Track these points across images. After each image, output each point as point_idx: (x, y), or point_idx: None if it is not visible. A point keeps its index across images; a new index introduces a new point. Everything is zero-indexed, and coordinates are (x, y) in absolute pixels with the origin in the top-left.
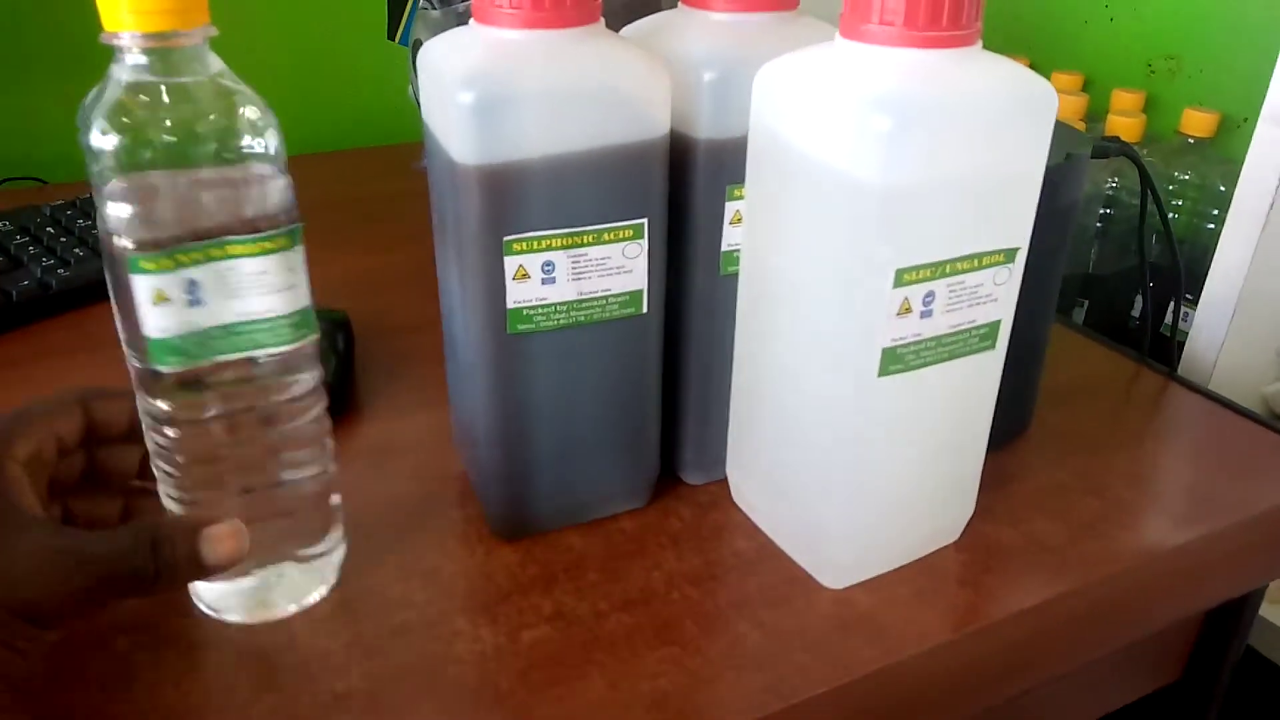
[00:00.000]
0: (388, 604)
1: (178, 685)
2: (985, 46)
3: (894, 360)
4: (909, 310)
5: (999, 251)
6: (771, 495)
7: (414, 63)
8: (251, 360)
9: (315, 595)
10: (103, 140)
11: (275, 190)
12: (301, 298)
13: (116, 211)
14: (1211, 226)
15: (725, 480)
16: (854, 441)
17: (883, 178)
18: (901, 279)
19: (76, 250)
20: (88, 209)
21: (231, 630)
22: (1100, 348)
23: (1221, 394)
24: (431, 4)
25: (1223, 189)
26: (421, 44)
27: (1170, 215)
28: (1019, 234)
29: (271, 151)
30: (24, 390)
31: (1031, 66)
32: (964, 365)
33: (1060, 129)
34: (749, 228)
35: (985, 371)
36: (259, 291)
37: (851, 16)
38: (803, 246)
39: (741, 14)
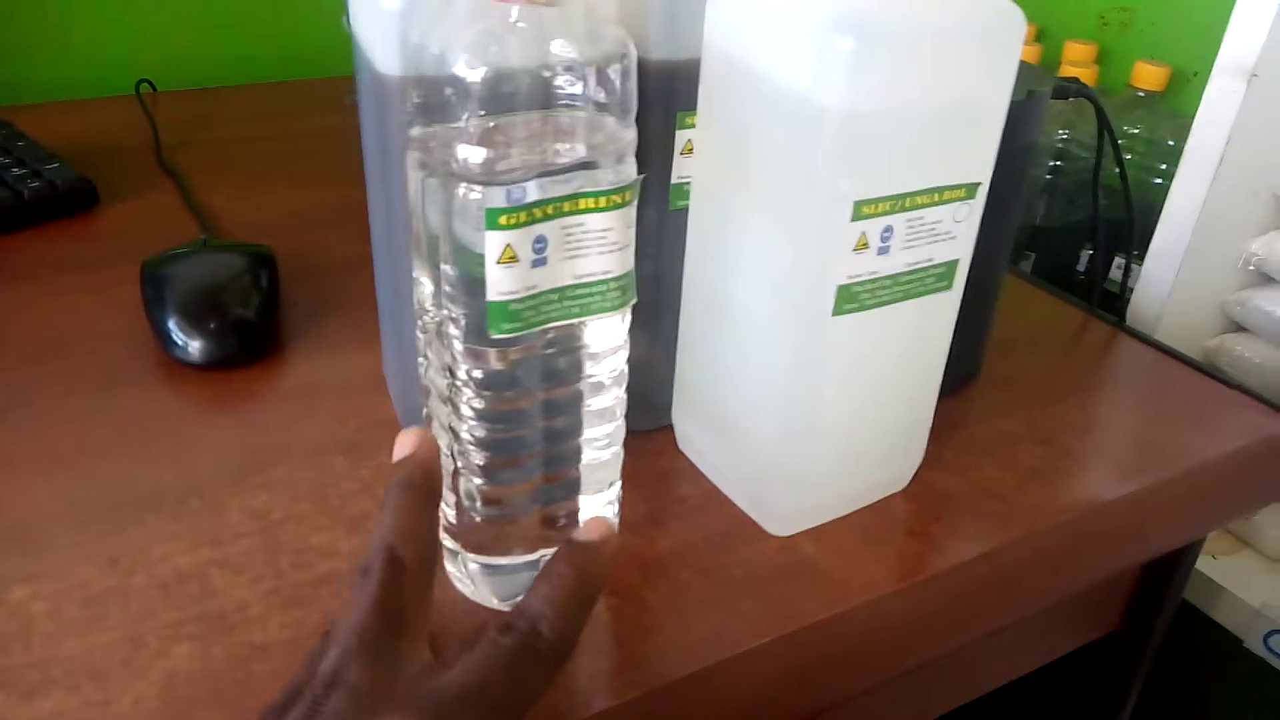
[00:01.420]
0: (310, 551)
1: None
2: None
3: (849, 299)
4: (866, 246)
5: (960, 186)
6: (718, 440)
7: None
8: (575, 328)
9: None
10: (470, 72)
11: (626, 137)
12: (630, 258)
13: (474, 156)
14: (1159, 181)
15: (670, 426)
16: (804, 384)
17: (843, 102)
18: (860, 212)
19: None
20: None
21: None
22: (1049, 298)
23: (1168, 344)
24: None
25: (1171, 143)
26: None
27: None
28: (981, 169)
29: (624, 92)
30: None
31: None
32: (920, 306)
33: (1022, 67)
34: (701, 158)
35: (941, 314)
36: (599, 250)
37: None
38: (757, 177)
39: None
